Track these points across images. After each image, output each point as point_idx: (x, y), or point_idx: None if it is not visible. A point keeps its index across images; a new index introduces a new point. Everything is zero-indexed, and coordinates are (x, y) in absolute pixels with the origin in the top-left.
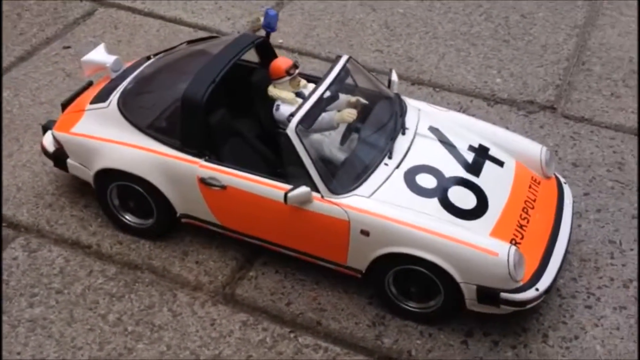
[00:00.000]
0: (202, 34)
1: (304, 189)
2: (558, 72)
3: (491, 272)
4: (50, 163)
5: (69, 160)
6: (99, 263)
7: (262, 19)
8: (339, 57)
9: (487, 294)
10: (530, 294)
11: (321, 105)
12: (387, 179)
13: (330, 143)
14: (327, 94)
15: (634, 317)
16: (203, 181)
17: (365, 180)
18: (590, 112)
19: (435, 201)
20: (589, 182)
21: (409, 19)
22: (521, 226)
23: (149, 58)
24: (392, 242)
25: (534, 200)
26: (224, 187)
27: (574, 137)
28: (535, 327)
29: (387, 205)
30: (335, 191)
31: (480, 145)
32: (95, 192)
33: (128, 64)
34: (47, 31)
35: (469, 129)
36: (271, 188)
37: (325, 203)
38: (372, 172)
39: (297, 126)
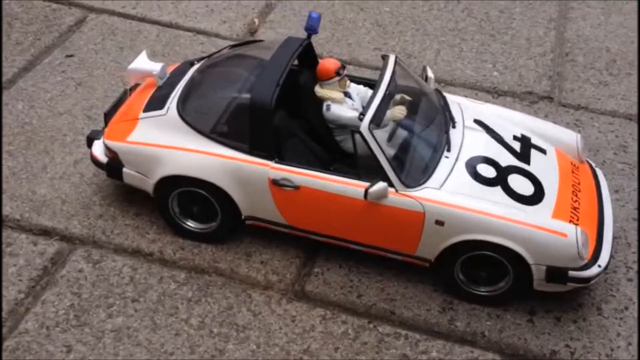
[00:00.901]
0: (201, 38)
1: (382, 185)
2: (547, 64)
3: (561, 252)
4: (89, 174)
5: (125, 170)
6: (167, 269)
7: (257, 21)
8: (386, 57)
9: (557, 274)
10: (594, 270)
11: (385, 103)
12: (451, 170)
13: (378, 137)
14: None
15: None
16: (275, 183)
17: (432, 173)
18: (585, 100)
19: (499, 189)
20: (601, 165)
21: (397, 17)
22: (575, 208)
23: (192, 64)
24: (467, 230)
25: (579, 184)
26: (297, 188)
27: (577, 124)
28: (588, 301)
29: (459, 195)
30: (408, 185)
31: (522, 135)
32: (153, 200)
33: (169, 70)
34: (44, 40)
35: (508, 120)
36: (347, 185)
37: (400, 197)
38: (437, 165)
39: (369, 124)
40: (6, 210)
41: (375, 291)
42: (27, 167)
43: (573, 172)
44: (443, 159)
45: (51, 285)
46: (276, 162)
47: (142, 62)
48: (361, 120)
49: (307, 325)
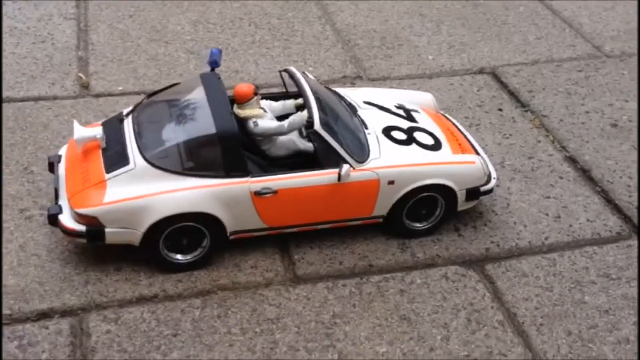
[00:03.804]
0: (44, 103)
1: (347, 166)
2: (340, 52)
3: (474, 175)
4: (43, 252)
5: (107, 230)
6: (180, 302)
7: (83, 76)
8: (288, 70)
9: (473, 192)
10: (493, 182)
11: (319, 104)
12: (378, 142)
13: (295, 138)
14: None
15: (520, 182)
16: (257, 193)
17: (369, 147)
18: (385, 72)
19: (414, 146)
20: None
21: (200, 42)
22: (460, 144)
23: (120, 120)
24: (411, 181)
25: (448, 128)
26: (275, 192)
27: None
28: (484, 209)
29: (396, 157)
30: (360, 161)
31: (399, 104)
32: (127, 250)
33: (93, 128)
34: None
35: (382, 95)
36: (316, 177)
37: (358, 172)
38: (367, 141)
39: (320, 123)
40: None
41: (349, 255)
42: None
43: (439, 120)
44: (368, 136)
45: (92, 354)
46: (252, 177)
47: (82, 131)
48: (311, 124)
49: (320, 298)
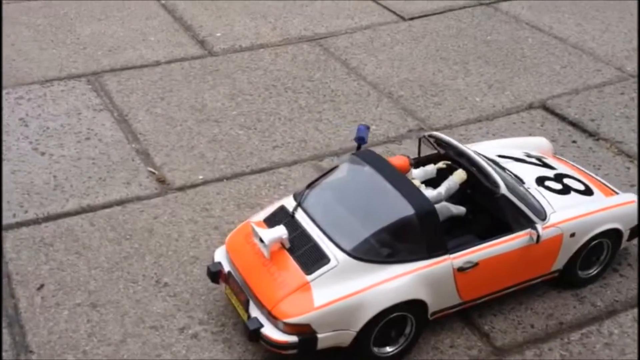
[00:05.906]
0: (132, 205)
1: (540, 226)
2: (391, 106)
3: (635, 214)
4: None
5: (319, 336)
6: None
7: (154, 170)
8: (433, 135)
9: (635, 231)
10: None
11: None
12: (542, 195)
13: (447, 204)
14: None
15: None
16: (460, 269)
17: (540, 202)
18: (444, 120)
19: (574, 194)
20: None
21: (248, 116)
22: (600, 185)
23: (292, 215)
24: (590, 229)
25: (577, 170)
26: (476, 264)
27: (462, 138)
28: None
29: (568, 209)
30: (543, 218)
31: (525, 152)
32: (346, 349)
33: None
34: None
35: (504, 147)
36: (511, 241)
37: (545, 229)
38: (533, 196)
39: (506, 188)
40: None
41: (534, 316)
42: None
43: (566, 163)
44: (529, 190)
45: None
46: (452, 253)
47: (270, 233)
48: (496, 188)
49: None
